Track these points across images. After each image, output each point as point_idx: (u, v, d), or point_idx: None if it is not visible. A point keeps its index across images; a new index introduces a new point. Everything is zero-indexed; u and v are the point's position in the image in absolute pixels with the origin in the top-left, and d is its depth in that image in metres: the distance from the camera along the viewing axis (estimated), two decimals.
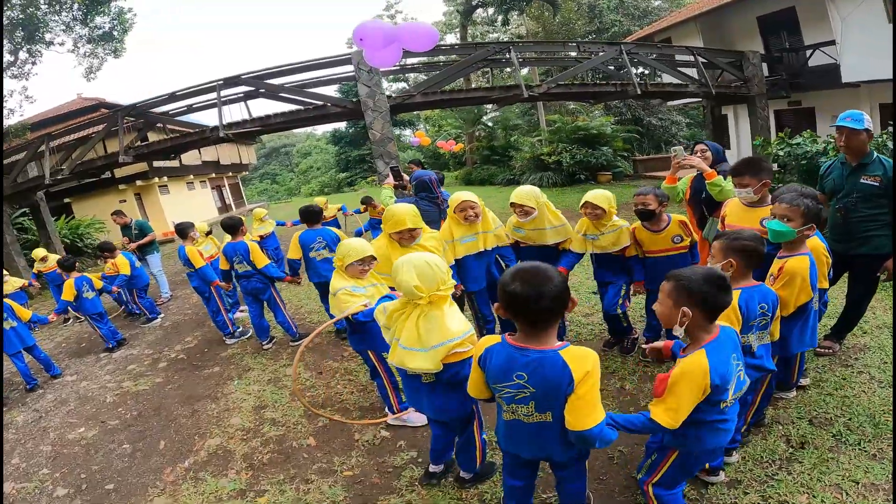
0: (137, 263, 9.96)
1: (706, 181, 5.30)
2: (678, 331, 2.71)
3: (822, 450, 3.69)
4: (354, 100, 13.88)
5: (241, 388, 6.32)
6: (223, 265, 7.47)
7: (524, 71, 27.75)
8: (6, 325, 7.22)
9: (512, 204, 5.20)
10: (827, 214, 4.26)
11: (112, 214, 11.51)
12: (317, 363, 6.69)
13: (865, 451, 3.61)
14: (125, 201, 25.96)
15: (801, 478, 3.47)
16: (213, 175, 34.96)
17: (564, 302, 2.57)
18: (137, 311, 10.39)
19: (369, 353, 4.60)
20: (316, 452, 4.74)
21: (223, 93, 13.52)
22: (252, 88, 13.86)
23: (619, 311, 5.45)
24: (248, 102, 14.66)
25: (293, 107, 14.48)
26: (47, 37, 21.57)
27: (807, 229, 3.65)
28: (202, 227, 9.64)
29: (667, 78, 18.33)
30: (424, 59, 19.02)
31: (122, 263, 9.32)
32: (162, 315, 10.20)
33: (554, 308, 2.53)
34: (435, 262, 3.23)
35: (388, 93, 14.35)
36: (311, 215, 7.26)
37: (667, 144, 31.88)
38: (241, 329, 8.27)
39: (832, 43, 16.67)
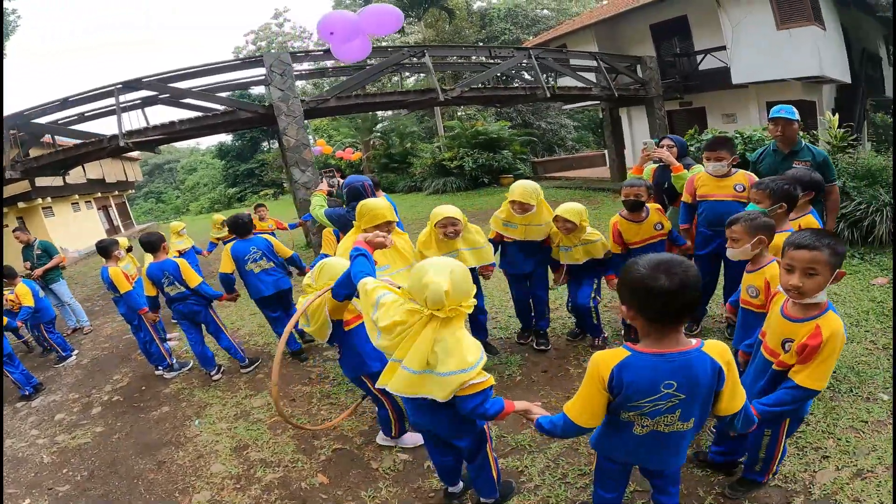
0: (41, 293, 8.52)
1: (672, 174, 5.69)
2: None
3: (825, 400, 4.10)
4: (267, 104, 12.99)
5: (207, 429, 5.40)
6: (149, 291, 6.47)
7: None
8: None
9: (512, 201, 5.03)
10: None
11: (14, 231, 9.88)
12: (283, 391, 5.92)
13: (860, 396, 4.13)
14: (7, 226, 23.31)
15: (819, 426, 3.83)
16: (99, 194, 32.33)
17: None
18: (45, 346, 9.01)
19: (364, 378, 4.04)
20: (335, 490, 4.09)
21: (123, 98, 12.16)
22: (155, 93, 12.55)
23: (592, 304, 5.51)
24: (147, 110, 13.34)
25: (197, 113, 13.29)
26: None
27: (778, 208, 3.82)
28: (122, 242, 8.57)
29: (570, 81, 18.69)
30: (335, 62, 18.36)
31: (23, 293, 7.87)
32: (77, 351, 8.84)
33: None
34: (466, 271, 2.78)
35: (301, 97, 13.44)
36: (241, 226, 6.51)
37: (558, 147, 32.64)
38: (177, 360, 7.26)
39: (723, 48, 18.07)
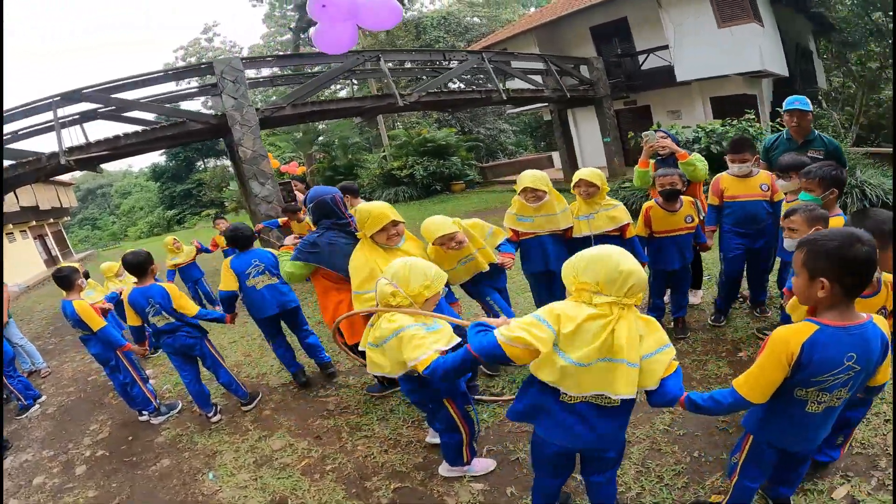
0: None
1: (679, 161, 5.58)
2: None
3: None
4: (219, 113, 12.06)
5: (226, 482, 4.58)
6: (133, 320, 5.52)
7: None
8: None
9: (524, 190, 4.86)
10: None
11: None
12: (302, 427, 5.23)
13: None
14: None
15: None
16: (34, 223, 30.29)
17: None
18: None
19: (447, 402, 3.48)
20: None
21: (61, 112, 11.13)
22: (98, 105, 11.49)
23: None
24: (86, 127, 12.22)
25: (143, 127, 12.32)
26: None
27: (830, 194, 3.83)
28: (110, 267, 7.98)
29: (518, 84, 18.57)
30: (289, 70, 17.72)
31: None
32: (42, 398, 7.72)
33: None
34: None
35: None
36: (241, 239, 5.73)
37: (501, 152, 32.51)
38: (162, 402, 6.37)
39: (666, 47, 18.64)
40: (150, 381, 6.88)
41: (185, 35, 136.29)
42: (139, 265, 5.45)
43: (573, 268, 2.49)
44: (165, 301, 5.35)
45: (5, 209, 25.18)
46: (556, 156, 26.51)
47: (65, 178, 35.13)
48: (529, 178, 4.84)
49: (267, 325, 5.92)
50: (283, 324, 6.11)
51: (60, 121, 11.06)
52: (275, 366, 6.87)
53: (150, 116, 12.10)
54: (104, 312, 6.17)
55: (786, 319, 3.33)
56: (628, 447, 3.81)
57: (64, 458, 5.85)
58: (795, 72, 19.31)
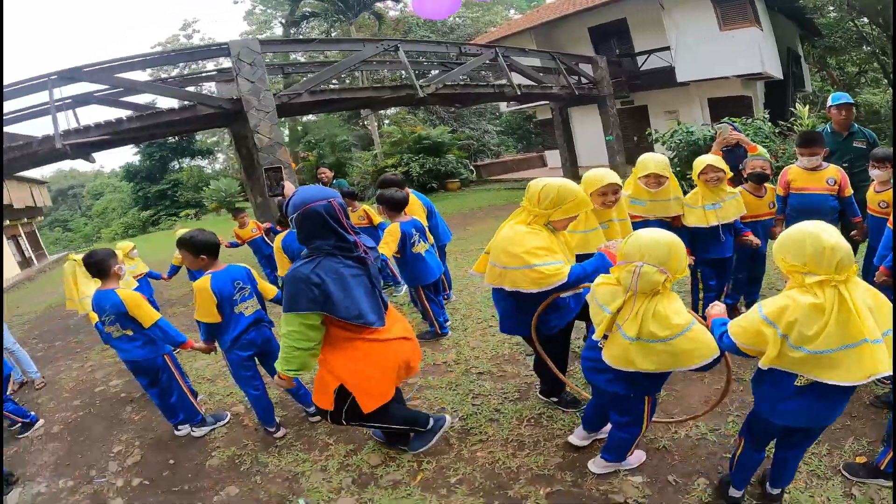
0: None
1: (749, 154, 5.69)
2: None
3: None
4: (234, 98, 10.86)
5: None
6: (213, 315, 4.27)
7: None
8: None
9: (647, 175, 4.61)
10: None
11: None
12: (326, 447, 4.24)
13: None
14: None
15: None
16: (7, 222, 28.35)
17: None
18: None
19: (648, 397, 3.11)
20: None
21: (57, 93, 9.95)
22: (104, 87, 10.33)
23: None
24: (76, 111, 11.22)
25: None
26: None
27: None
28: (125, 245, 7.02)
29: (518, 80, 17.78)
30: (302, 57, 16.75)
31: None
32: (41, 421, 6.22)
33: None
34: None
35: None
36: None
37: (489, 152, 32.34)
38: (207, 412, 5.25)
39: (667, 48, 18.77)
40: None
41: (162, 32, 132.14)
42: (98, 264, 4.51)
43: (782, 249, 2.40)
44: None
45: None
46: (549, 155, 26.18)
47: (37, 175, 33.30)
48: (654, 164, 4.60)
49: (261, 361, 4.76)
50: None
51: (55, 103, 9.89)
52: None
53: (153, 101, 10.85)
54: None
55: None
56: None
57: (89, 489, 4.61)
58: (787, 74, 19.70)
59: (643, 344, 2.68)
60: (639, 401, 3.08)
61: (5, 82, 9.65)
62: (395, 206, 5.62)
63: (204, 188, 39.33)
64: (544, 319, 3.56)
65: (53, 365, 8.47)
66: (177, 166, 49.27)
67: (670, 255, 2.65)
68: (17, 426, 5.98)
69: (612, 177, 4.04)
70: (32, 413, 6.17)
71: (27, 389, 7.49)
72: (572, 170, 20.58)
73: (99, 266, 4.51)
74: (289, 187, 3.84)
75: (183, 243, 4.24)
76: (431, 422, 3.76)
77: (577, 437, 3.68)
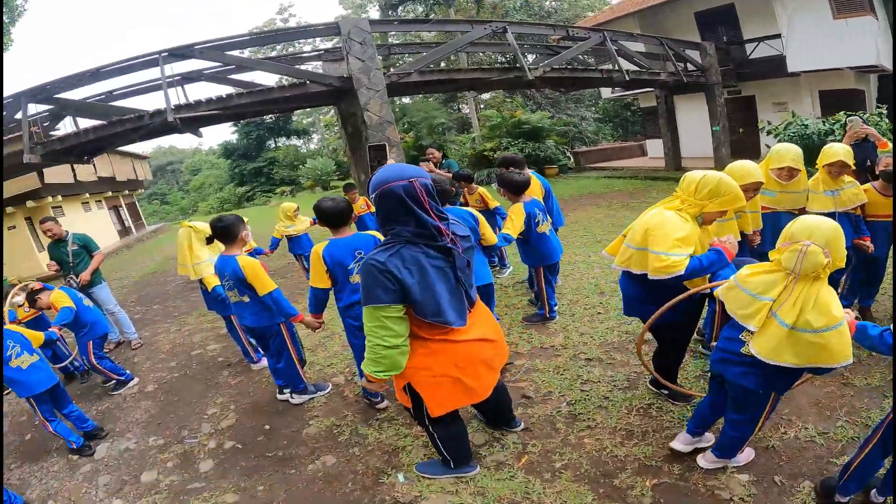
0: (86, 301, 6.08)
1: (880, 150, 5.66)
2: None
3: None
4: (345, 76, 10.75)
5: (427, 486, 3.44)
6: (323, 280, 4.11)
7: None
8: None
9: (781, 168, 4.55)
10: None
11: (42, 223, 7.15)
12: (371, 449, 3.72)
13: None
14: (14, 227, 20.65)
15: None
16: (110, 193, 29.64)
17: None
18: (76, 370, 6.66)
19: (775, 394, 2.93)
20: None
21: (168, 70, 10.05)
22: (216, 64, 10.39)
23: None
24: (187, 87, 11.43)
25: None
26: None
27: None
28: (288, 206, 7.49)
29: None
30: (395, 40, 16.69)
31: (59, 298, 5.52)
32: (136, 380, 6.31)
33: None
34: None
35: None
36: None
37: (583, 140, 31.54)
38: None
39: (777, 36, 17.52)
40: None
41: (260, 15, 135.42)
42: (226, 229, 4.41)
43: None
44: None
45: (85, 178, 24.62)
46: (650, 144, 25.02)
47: (140, 151, 34.65)
48: (791, 156, 4.55)
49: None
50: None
51: (166, 80, 10.04)
52: None
53: (262, 78, 10.98)
54: None
55: None
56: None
57: (179, 448, 4.56)
58: None
59: (795, 334, 2.55)
60: (765, 398, 2.93)
61: (114, 59, 10.03)
62: (517, 189, 5.28)
63: (300, 166, 40.07)
64: (676, 305, 3.30)
65: (151, 327, 8.61)
66: (273, 145, 50.75)
67: (836, 237, 2.54)
68: (111, 382, 6.06)
69: (758, 173, 3.98)
70: (128, 371, 6.23)
71: (123, 349, 7.63)
72: (675, 160, 19.76)
73: (226, 231, 4.38)
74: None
75: (314, 207, 4.15)
76: (474, 467, 3.47)
77: (681, 443, 3.44)
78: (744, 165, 3.97)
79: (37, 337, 4.71)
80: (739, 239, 4.05)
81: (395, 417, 4.27)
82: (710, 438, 3.38)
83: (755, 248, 4.55)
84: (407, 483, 3.44)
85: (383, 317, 2.64)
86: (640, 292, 3.53)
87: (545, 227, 5.39)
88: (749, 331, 2.71)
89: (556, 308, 5.84)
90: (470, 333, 2.90)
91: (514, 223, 5.09)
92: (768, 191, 4.64)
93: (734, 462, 3.27)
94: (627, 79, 14.90)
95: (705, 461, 3.27)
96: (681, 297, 3.21)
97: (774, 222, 4.62)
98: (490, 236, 4.61)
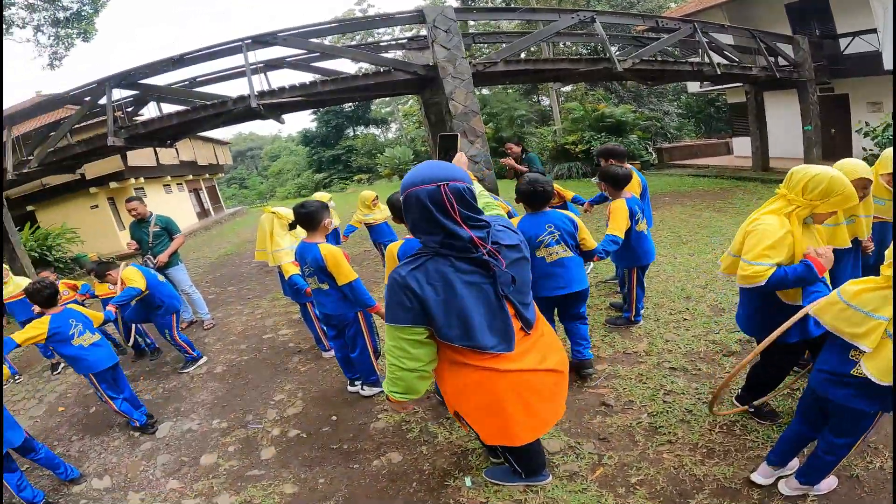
0: (161, 277, 6.22)
1: None
2: None
3: None
4: (430, 64, 10.66)
5: (494, 492, 3.22)
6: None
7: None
8: None
9: (890, 173, 4.11)
10: None
11: (127, 202, 7.32)
12: (579, 425, 3.82)
13: None
14: (97, 207, 21.79)
15: None
16: (191, 177, 30.86)
17: None
18: (147, 347, 6.82)
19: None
20: None
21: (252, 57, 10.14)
22: (299, 51, 10.46)
23: None
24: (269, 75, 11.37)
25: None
26: (7, 13, 18.24)
27: None
28: (367, 195, 7.50)
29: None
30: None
31: (131, 275, 5.56)
32: (205, 359, 6.39)
33: None
34: None
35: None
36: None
37: (665, 136, 30.43)
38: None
39: (873, 31, 16.22)
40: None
41: (340, 5, 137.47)
42: (308, 216, 4.31)
43: None
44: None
45: (167, 161, 25.62)
46: (736, 142, 23.83)
47: (221, 136, 35.72)
48: (866, 166, 3.91)
49: None
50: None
51: (249, 66, 10.16)
52: None
53: (341, 67, 11.00)
54: None
55: None
56: None
57: (242, 433, 4.51)
58: None
59: None
60: (872, 418, 2.70)
61: (198, 46, 10.26)
62: (619, 183, 4.97)
63: (378, 155, 40.42)
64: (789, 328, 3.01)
65: (224, 308, 8.70)
66: (351, 133, 51.61)
67: None
68: (188, 357, 6.14)
69: (865, 170, 3.66)
70: (198, 350, 6.28)
71: (195, 329, 7.72)
72: (763, 160, 18.67)
73: (309, 218, 4.27)
74: (459, 158, 3.24)
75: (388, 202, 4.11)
76: (546, 476, 3.25)
77: (761, 475, 3.14)
78: (851, 161, 3.69)
79: (97, 317, 4.78)
80: (850, 245, 3.80)
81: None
82: (793, 465, 3.10)
83: (867, 257, 4.14)
84: (473, 488, 3.25)
85: (401, 338, 2.39)
86: (746, 305, 3.32)
87: (643, 226, 5.08)
88: (860, 350, 2.45)
89: (642, 312, 5.51)
90: (523, 362, 2.52)
91: (618, 222, 4.67)
92: (878, 199, 4.23)
93: (816, 490, 3.00)
94: (719, 72, 14.21)
95: (788, 488, 3.03)
96: (794, 318, 2.85)
97: (882, 233, 4.27)
98: (589, 240, 4.29)
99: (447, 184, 2.22)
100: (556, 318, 4.48)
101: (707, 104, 33.08)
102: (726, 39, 16.01)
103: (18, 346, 4.19)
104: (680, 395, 4.00)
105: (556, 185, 7.07)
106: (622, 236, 4.60)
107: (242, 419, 4.72)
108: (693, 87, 24.88)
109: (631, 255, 5.11)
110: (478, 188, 2.83)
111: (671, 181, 17.64)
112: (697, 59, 14.56)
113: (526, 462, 3.14)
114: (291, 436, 4.28)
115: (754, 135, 19.02)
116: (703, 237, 8.28)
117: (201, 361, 6.20)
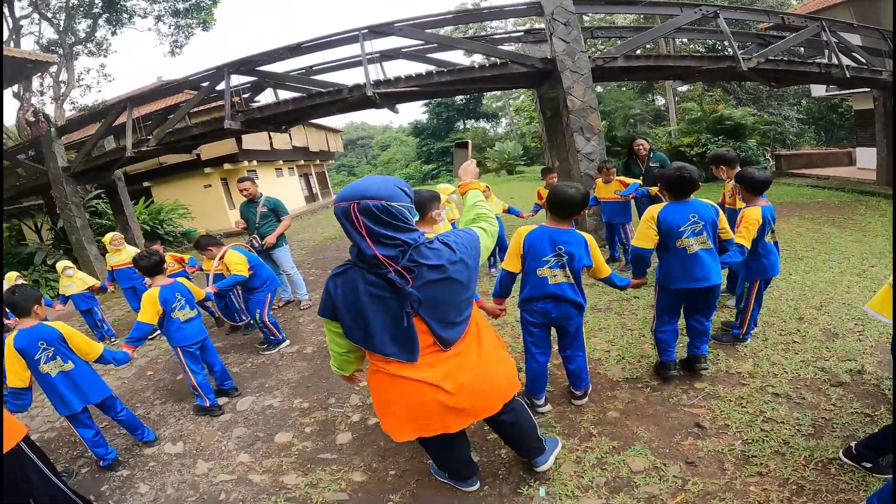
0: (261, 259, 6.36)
1: None
2: None
3: None
4: (548, 57, 10.39)
5: None
6: None
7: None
8: (52, 371, 3.76)
9: None
10: None
11: (239, 182, 7.61)
12: (667, 445, 3.56)
13: None
14: (210, 186, 22.94)
15: None
16: (302, 162, 32.04)
17: None
18: (243, 321, 7.00)
19: None
20: None
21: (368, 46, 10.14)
22: (416, 42, 10.47)
23: None
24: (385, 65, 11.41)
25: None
26: (129, 3, 19.39)
27: None
28: (446, 188, 7.38)
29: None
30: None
31: (234, 260, 5.69)
32: (288, 342, 6.45)
33: None
34: None
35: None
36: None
37: (782, 143, 28.68)
38: None
39: None
40: None
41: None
42: (420, 203, 3.75)
43: None
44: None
45: (280, 146, 26.54)
46: (860, 152, 21.92)
47: (334, 124, 36.65)
48: None
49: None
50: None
51: (365, 56, 10.18)
52: (612, 352, 5.04)
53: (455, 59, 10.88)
54: None
55: None
56: None
57: (321, 415, 4.51)
58: None
59: None
60: None
61: (315, 35, 10.46)
62: (757, 188, 4.58)
63: (487, 149, 40.41)
64: None
65: (322, 290, 8.77)
66: (461, 126, 52.06)
67: None
68: (272, 340, 6.23)
69: None
70: (283, 334, 6.37)
71: (292, 308, 7.84)
72: (890, 173, 16.85)
73: (418, 207, 4.17)
74: (466, 167, 3.14)
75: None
76: (474, 484, 3.26)
77: None
78: None
79: (199, 293, 4.93)
80: None
81: (554, 425, 3.88)
82: None
83: None
84: (547, 499, 3.08)
85: (327, 328, 2.73)
86: None
87: (771, 238, 4.70)
88: None
89: (752, 331, 5.13)
90: (422, 373, 2.58)
91: (749, 230, 4.37)
92: None
93: None
94: (848, 75, 13.14)
95: None
96: None
97: None
98: (728, 231, 4.16)
99: (358, 203, 2.32)
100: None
101: (829, 110, 30.87)
102: (854, 40, 14.88)
103: (153, 326, 4.41)
104: (779, 423, 3.66)
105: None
106: (749, 246, 4.33)
107: (325, 401, 4.73)
108: (817, 90, 23.34)
109: (757, 267, 4.73)
110: (476, 197, 3.11)
111: (789, 191, 16.62)
112: (824, 61, 13.57)
113: (438, 460, 3.25)
114: (370, 423, 4.22)
115: (881, 145, 17.42)
116: (821, 254, 7.65)
117: (283, 345, 6.28)
